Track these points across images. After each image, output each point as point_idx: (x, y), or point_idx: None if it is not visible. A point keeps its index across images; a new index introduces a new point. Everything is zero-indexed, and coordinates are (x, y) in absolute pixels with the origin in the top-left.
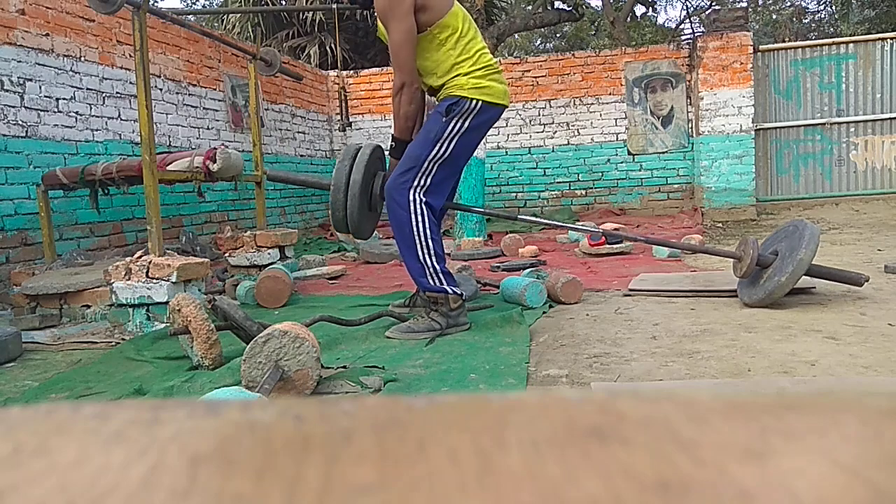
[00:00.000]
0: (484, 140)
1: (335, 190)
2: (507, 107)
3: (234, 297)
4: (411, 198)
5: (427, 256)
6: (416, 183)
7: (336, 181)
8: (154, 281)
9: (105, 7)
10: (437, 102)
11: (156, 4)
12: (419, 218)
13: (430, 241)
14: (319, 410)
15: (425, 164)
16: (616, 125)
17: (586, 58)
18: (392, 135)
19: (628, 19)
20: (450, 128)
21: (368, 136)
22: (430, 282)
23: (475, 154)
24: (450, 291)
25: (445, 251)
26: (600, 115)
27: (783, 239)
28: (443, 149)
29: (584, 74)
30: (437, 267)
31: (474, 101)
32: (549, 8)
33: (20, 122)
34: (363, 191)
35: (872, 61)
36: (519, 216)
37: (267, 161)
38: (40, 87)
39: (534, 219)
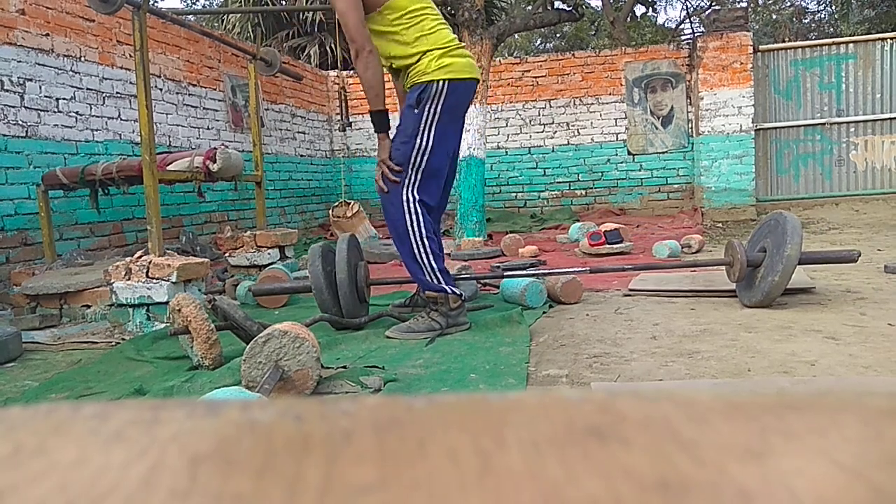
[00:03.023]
0: (484, 140)
1: (317, 292)
2: (477, 80)
3: (234, 297)
4: (405, 196)
5: (424, 255)
6: (407, 181)
7: (315, 285)
8: (154, 281)
9: (105, 7)
10: (406, 90)
11: (156, 4)
12: (413, 217)
13: (426, 239)
14: (319, 410)
15: (412, 160)
16: (616, 125)
17: (586, 58)
18: (369, 111)
19: (628, 19)
20: (424, 117)
21: (368, 135)
22: (429, 280)
23: (475, 154)
24: (449, 291)
25: (445, 251)
26: (600, 115)
27: (768, 234)
28: (423, 140)
29: (584, 74)
30: (435, 265)
31: (440, 83)
32: (549, 8)
33: (20, 122)
34: (351, 289)
35: (872, 61)
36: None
37: (267, 161)
38: (40, 87)
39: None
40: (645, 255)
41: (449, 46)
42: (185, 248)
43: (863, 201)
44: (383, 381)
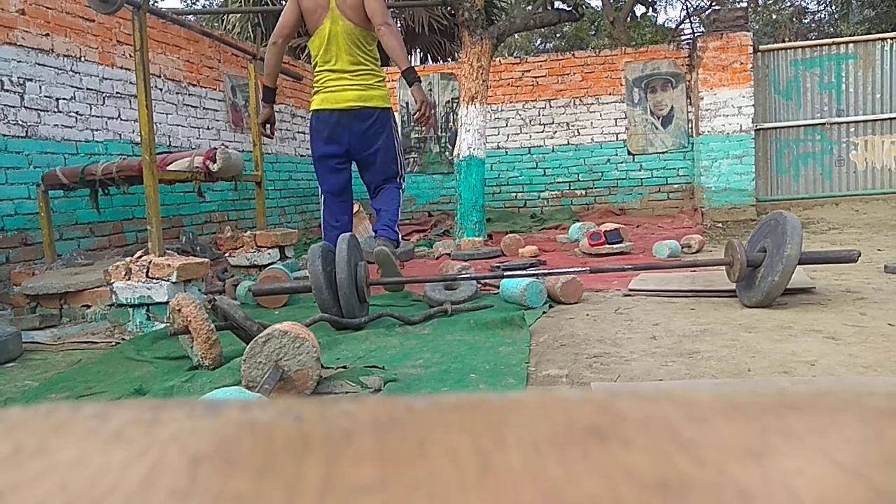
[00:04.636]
0: (484, 140)
1: (317, 292)
2: (330, 110)
3: (234, 297)
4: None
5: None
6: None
7: (315, 284)
8: (154, 281)
9: (105, 7)
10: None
11: (156, 4)
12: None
13: (328, 224)
14: (319, 410)
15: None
16: (616, 125)
17: (586, 58)
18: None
19: (628, 19)
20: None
21: None
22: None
23: (475, 154)
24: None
25: (446, 251)
26: (600, 115)
27: (768, 234)
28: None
29: (584, 74)
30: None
31: (311, 112)
32: (549, 8)
33: (20, 122)
34: (351, 289)
35: (872, 61)
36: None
37: (267, 161)
38: (40, 87)
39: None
40: (645, 255)
41: (315, 87)
42: (185, 248)
43: (863, 201)
44: (383, 381)
